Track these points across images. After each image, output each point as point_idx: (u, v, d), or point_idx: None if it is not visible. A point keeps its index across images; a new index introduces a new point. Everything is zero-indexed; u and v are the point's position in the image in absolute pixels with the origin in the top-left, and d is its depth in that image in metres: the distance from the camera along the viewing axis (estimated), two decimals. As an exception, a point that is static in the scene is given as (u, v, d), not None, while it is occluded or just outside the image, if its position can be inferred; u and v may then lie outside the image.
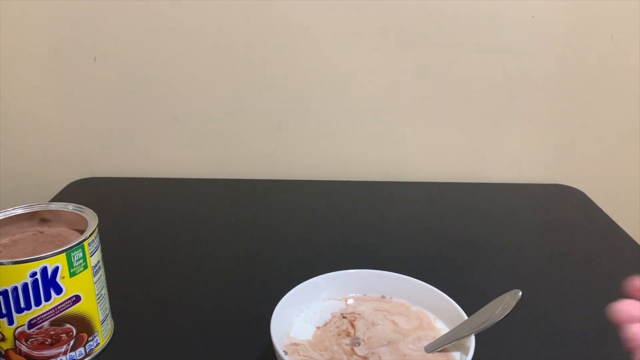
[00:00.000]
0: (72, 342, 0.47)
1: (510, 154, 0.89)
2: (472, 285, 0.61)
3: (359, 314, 0.49)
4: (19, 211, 0.51)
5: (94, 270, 0.48)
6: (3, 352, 0.46)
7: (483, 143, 0.88)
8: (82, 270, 0.46)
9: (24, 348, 0.46)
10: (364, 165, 0.90)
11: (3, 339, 0.45)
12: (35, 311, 0.44)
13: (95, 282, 0.48)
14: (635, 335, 0.34)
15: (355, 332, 0.47)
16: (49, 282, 0.44)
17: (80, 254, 0.46)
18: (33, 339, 0.45)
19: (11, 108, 0.85)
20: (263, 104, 0.86)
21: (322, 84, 0.85)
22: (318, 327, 0.48)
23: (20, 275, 0.43)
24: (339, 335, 0.47)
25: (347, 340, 0.46)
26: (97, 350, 0.50)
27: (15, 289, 0.43)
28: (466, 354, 0.43)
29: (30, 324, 0.45)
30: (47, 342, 0.46)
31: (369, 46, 0.82)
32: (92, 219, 0.49)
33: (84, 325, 0.48)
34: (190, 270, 0.64)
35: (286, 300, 0.48)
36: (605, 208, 0.81)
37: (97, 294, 0.49)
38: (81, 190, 0.84)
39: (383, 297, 0.52)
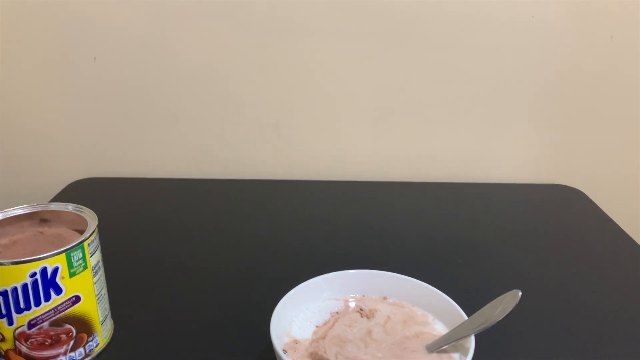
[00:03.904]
0: (71, 343, 0.47)
1: (510, 154, 0.89)
2: (472, 285, 0.61)
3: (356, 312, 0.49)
4: (19, 211, 0.51)
5: (94, 270, 0.48)
6: (3, 352, 0.46)
7: (483, 143, 0.88)
8: (82, 271, 0.46)
9: (23, 348, 0.46)
10: (364, 165, 0.90)
11: (3, 340, 0.45)
12: (35, 311, 0.44)
13: (95, 283, 0.48)
14: None
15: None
16: (49, 283, 0.44)
17: (80, 254, 0.46)
18: (33, 340, 0.45)
19: (11, 108, 0.85)
20: (262, 104, 0.86)
21: (322, 84, 0.85)
22: (317, 326, 0.48)
23: (20, 276, 0.43)
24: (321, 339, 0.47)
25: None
26: (97, 350, 0.50)
27: (15, 289, 0.43)
28: (466, 354, 0.42)
29: (30, 325, 0.45)
30: (46, 343, 0.46)
31: (368, 46, 0.82)
32: (92, 219, 0.49)
33: (84, 326, 0.48)
34: (190, 270, 0.64)
35: (286, 301, 0.48)
36: (605, 208, 0.81)
37: (97, 294, 0.49)
38: (81, 190, 0.84)
39: (385, 298, 0.52)
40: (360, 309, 0.50)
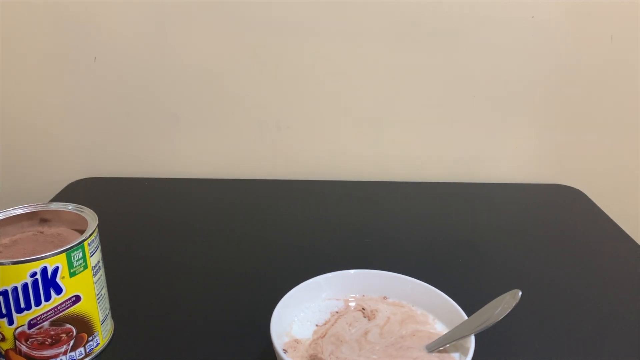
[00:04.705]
0: (72, 342, 0.47)
1: (510, 154, 0.89)
2: (472, 285, 0.61)
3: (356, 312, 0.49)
4: (19, 211, 0.51)
5: (94, 270, 0.48)
6: (3, 352, 0.46)
7: (483, 143, 0.88)
8: (82, 271, 0.46)
9: (24, 348, 0.46)
10: (364, 165, 0.90)
11: (3, 339, 0.45)
12: (35, 311, 0.44)
13: (95, 282, 0.48)
14: None
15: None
16: (49, 282, 0.44)
17: (80, 254, 0.46)
18: (33, 339, 0.45)
19: (11, 108, 0.85)
20: (263, 104, 0.86)
21: (321, 84, 0.85)
22: (318, 325, 0.48)
23: (20, 275, 0.43)
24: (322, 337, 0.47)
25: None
26: (97, 350, 0.50)
27: (15, 289, 0.43)
28: (466, 354, 0.43)
29: (30, 324, 0.45)
30: (47, 342, 0.46)
31: (369, 46, 0.82)
32: (92, 219, 0.49)
33: (84, 325, 0.48)
34: (190, 270, 0.64)
35: (286, 300, 0.48)
36: (605, 208, 0.81)
37: (97, 294, 0.49)
38: (81, 190, 0.84)
39: (385, 298, 0.52)
40: (363, 308, 0.50)
